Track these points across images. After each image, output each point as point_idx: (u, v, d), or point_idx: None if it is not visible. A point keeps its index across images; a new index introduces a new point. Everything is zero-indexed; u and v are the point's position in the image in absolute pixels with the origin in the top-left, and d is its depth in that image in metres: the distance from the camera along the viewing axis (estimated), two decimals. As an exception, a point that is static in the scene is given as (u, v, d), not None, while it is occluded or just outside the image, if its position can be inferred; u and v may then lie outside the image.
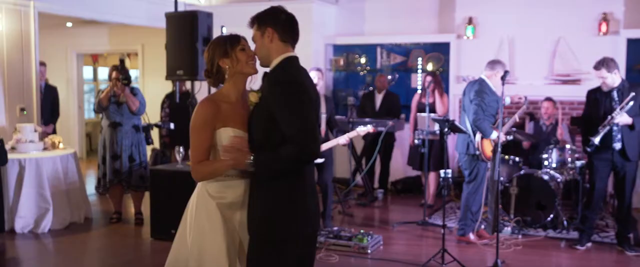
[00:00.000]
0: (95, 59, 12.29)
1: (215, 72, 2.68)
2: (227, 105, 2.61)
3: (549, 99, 6.68)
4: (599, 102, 5.13)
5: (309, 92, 2.48)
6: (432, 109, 6.61)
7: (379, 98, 7.49)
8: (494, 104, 5.27)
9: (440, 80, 7.04)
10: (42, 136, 6.34)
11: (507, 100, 5.61)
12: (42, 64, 7.43)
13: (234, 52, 2.65)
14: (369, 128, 5.37)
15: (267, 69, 2.59)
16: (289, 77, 2.48)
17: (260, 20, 2.55)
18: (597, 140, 5.00)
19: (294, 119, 2.40)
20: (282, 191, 2.50)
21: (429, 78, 6.78)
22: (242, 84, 2.70)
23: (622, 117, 4.95)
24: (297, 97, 2.42)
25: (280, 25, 2.54)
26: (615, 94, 5.05)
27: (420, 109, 6.79)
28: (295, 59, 2.57)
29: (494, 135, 5.12)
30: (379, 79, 7.62)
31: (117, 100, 5.94)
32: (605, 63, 5.01)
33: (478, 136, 5.21)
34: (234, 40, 2.69)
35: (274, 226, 2.49)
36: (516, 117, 5.49)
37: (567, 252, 5.28)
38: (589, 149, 5.10)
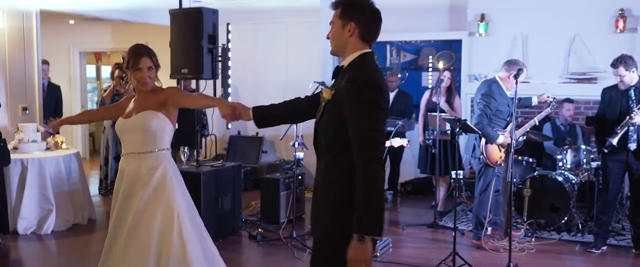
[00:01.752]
0: (98, 57, 12.37)
1: None
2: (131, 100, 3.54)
3: (570, 100, 6.64)
4: (615, 101, 5.12)
5: (386, 97, 2.41)
6: (444, 109, 6.57)
7: (390, 97, 7.47)
8: (504, 108, 5.21)
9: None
10: (45, 136, 6.41)
11: (534, 101, 5.52)
12: (45, 62, 7.50)
13: (131, 70, 3.41)
14: (404, 142, 5.07)
15: (340, 63, 2.53)
16: (366, 77, 2.40)
17: (346, 11, 2.47)
18: (614, 141, 5.00)
19: (364, 121, 2.33)
20: (345, 191, 2.39)
21: (447, 74, 6.67)
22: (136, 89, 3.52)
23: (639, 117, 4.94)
24: (373, 98, 2.35)
25: (365, 22, 2.47)
26: (632, 92, 5.04)
27: (431, 108, 6.77)
28: (371, 56, 2.49)
29: (500, 139, 5.08)
30: (389, 78, 7.61)
31: (121, 99, 5.97)
32: (623, 61, 5.00)
33: (483, 140, 5.18)
34: (135, 62, 3.38)
35: (340, 230, 2.39)
36: (536, 120, 5.36)
37: (581, 256, 5.28)
38: (605, 150, 5.09)
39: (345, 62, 2.49)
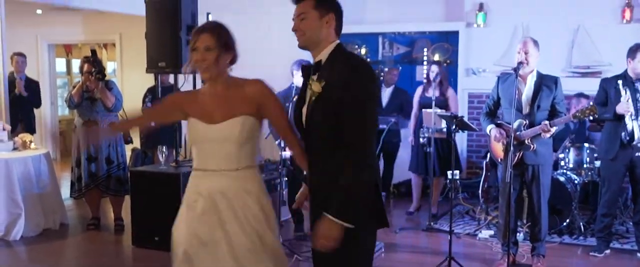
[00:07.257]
0: (68, 50, 12.38)
1: None
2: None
3: (583, 95, 6.72)
4: (614, 94, 5.24)
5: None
6: (439, 105, 6.64)
7: (386, 93, 7.51)
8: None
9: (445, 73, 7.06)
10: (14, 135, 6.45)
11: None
12: (21, 54, 7.65)
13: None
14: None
15: (317, 56, 2.60)
16: (368, 66, 2.60)
17: (323, 1, 2.57)
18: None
19: (362, 121, 2.45)
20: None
21: (435, 68, 6.80)
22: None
23: None
24: (373, 95, 2.60)
25: (340, 14, 2.63)
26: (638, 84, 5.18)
27: (425, 104, 6.85)
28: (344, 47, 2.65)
29: (488, 128, 5.07)
30: (389, 73, 7.64)
31: (91, 96, 6.00)
32: None
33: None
34: (192, 40, 2.96)
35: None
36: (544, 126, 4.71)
37: (583, 260, 5.41)
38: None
39: (323, 56, 2.58)
